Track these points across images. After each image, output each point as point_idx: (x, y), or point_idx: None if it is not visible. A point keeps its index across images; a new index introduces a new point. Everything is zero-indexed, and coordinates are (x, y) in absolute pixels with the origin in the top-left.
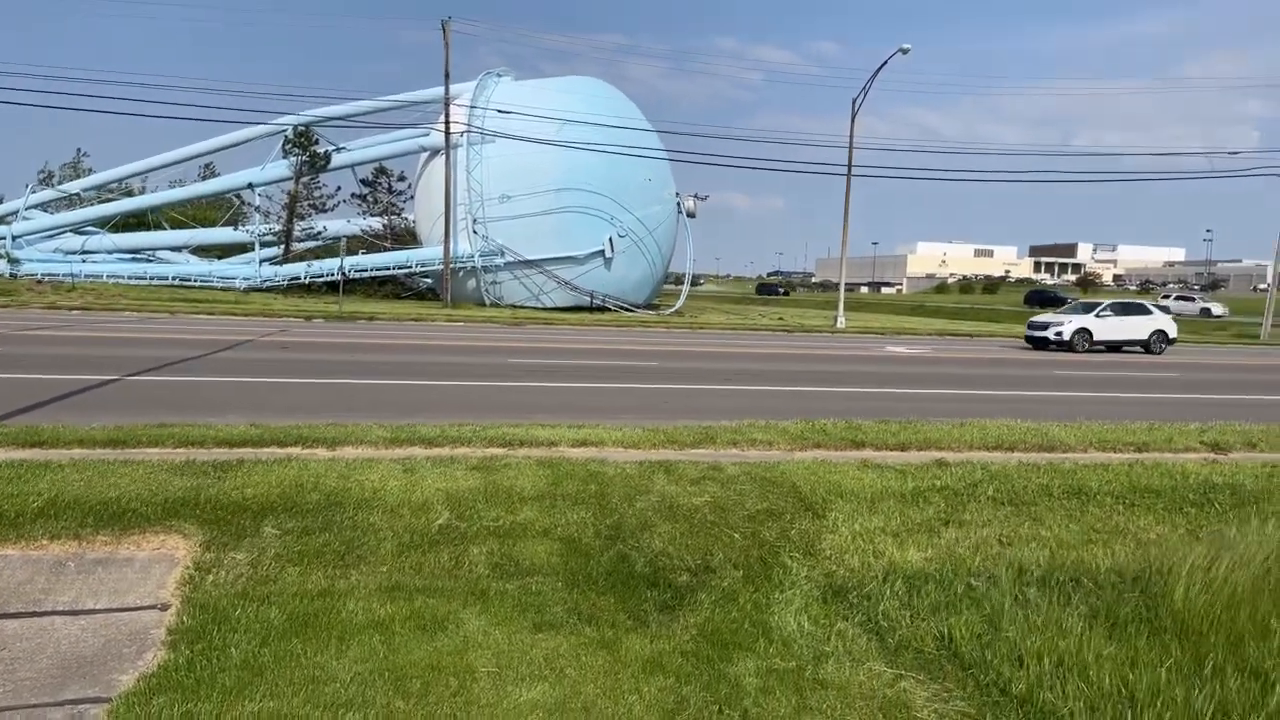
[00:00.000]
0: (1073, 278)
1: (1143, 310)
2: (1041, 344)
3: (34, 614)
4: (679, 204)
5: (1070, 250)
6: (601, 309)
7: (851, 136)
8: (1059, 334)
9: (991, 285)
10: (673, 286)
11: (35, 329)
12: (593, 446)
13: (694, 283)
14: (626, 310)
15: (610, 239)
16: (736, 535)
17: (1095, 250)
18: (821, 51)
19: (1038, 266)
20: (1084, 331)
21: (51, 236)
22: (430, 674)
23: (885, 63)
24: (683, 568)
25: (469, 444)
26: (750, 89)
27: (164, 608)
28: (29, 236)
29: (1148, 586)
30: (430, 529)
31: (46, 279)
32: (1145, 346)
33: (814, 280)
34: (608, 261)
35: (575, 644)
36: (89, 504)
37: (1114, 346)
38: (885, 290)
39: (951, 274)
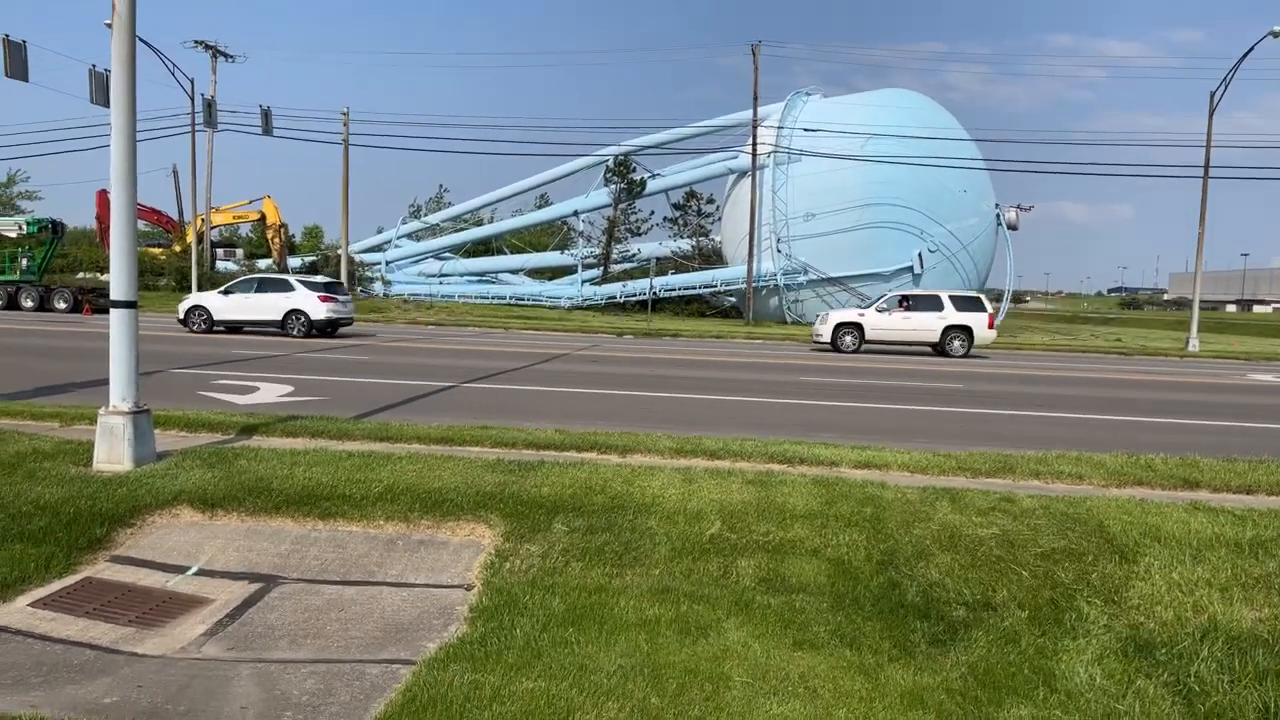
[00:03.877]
0: None
1: (283, 286)
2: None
3: (368, 583)
4: (998, 215)
5: None
6: None
7: (1209, 134)
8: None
9: None
10: (993, 304)
11: (398, 342)
12: (876, 469)
13: (1017, 299)
14: None
15: (920, 254)
16: (1025, 573)
17: None
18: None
19: None
20: (199, 310)
21: (416, 261)
22: (687, 677)
23: (1251, 49)
24: (959, 601)
25: (749, 458)
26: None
27: (468, 588)
28: (400, 262)
29: None
30: (702, 537)
31: (411, 298)
32: (281, 327)
33: (1166, 297)
34: (916, 277)
35: (833, 665)
36: (418, 492)
37: (234, 327)
38: (1258, 309)
39: None
